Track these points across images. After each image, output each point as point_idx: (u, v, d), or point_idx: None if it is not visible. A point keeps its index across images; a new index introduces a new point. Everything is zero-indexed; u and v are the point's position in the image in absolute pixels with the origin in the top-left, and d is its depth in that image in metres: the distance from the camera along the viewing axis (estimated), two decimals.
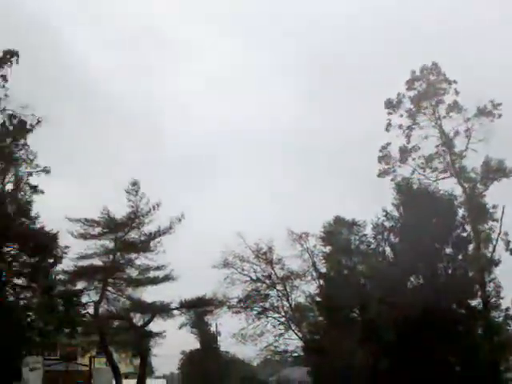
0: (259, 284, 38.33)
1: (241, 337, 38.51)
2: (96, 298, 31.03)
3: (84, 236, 30.60)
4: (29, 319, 28.91)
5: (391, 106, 32.19)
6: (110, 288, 31.56)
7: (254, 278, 37.84)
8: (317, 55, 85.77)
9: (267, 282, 38.20)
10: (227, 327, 45.05)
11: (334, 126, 76.42)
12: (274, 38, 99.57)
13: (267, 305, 38.15)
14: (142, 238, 31.30)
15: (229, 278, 37.31)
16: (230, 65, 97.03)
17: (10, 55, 24.65)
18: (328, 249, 36.57)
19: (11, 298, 28.57)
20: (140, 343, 32.62)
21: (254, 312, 38.16)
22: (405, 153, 32.42)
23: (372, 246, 32.86)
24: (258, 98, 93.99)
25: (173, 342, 37.63)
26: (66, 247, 28.95)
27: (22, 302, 28.73)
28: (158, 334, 32.90)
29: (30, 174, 28.30)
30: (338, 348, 31.28)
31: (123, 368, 36.58)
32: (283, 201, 75.29)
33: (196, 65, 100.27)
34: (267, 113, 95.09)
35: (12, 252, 28.01)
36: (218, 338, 53.40)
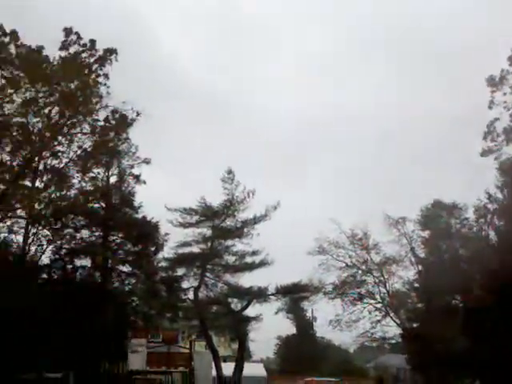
0: (355, 270, 37.86)
1: (337, 323, 38.34)
2: (195, 283, 31.96)
3: (183, 224, 31.63)
4: (133, 304, 30.50)
5: (494, 83, 30.26)
6: (208, 274, 32.39)
7: (350, 263, 37.39)
8: (410, 30, 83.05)
9: (363, 267, 37.63)
10: (323, 313, 45.17)
11: (431, 107, 73.85)
12: (363, 19, 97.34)
13: (363, 291, 37.61)
14: (238, 225, 31.86)
15: (324, 264, 37.15)
16: (320, 52, 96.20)
17: (110, 53, 25.68)
18: (427, 233, 35.50)
19: (117, 284, 30.27)
20: (238, 328, 33.20)
21: (350, 298, 37.76)
22: (509, 133, 30.48)
23: (474, 230, 31.53)
24: (349, 84, 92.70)
25: (269, 327, 38.06)
26: (167, 235, 30.30)
27: (126, 288, 30.34)
28: (255, 319, 33.29)
29: (132, 166, 29.72)
30: (438, 335, 30.42)
31: (222, 351, 37.57)
32: (378, 185, 74.02)
33: (286, 52, 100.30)
34: (359, 98, 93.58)
35: (117, 241, 29.63)
36: (314, 323, 53.69)
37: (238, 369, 32.61)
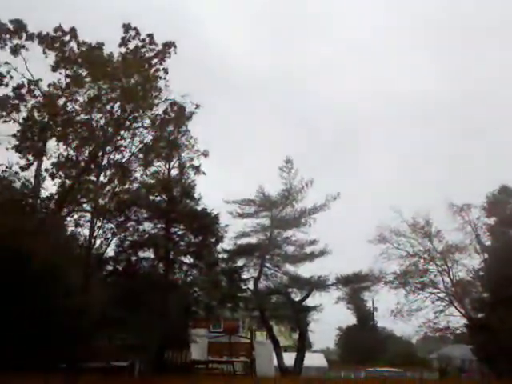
0: (416, 259, 36.92)
1: (398, 313, 37.59)
2: (255, 274, 32.12)
3: (242, 215, 31.84)
4: (195, 294, 30.97)
5: None
6: (267, 264, 32.48)
7: (411, 252, 36.52)
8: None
9: (425, 256, 36.66)
10: (384, 303, 44.36)
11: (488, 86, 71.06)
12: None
13: (426, 280, 36.67)
14: (297, 215, 31.77)
15: (384, 253, 36.44)
16: (371, 26, 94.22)
17: (169, 46, 26.02)
18: (492, 220, 34.25)
19: (179, 275, 30.81)
20: (298, 318, 33.18)
21: (412, 288, 36.91)
22: None
23: None
24: (401, 67, 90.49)
25: (329, 318, 37.73)
26: (226, 226, 30.58)
27: (188, 279, 30.85)
28: (315, 309, 33.20)
29: (191, 158, 30.10)
30: (506, 326, 29.40)
31: (283, 341, 37.60)
32: (439, 171, 72.05)
33: (337, 33, 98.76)
34: (417, 76, 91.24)
35: (179, 232, 30.15)
36: (375, 313, 53.00)
37: (299, 359, 32.64)
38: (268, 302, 32.91)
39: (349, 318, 58.49)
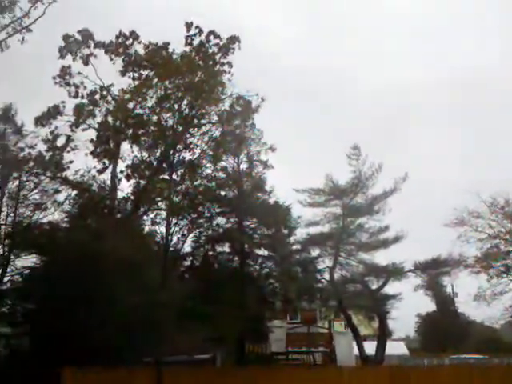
0: (497, 241, 35.41)
1: (481, 297, 36.24)
2: (330, 263, 31.85)
3: (312, 205, 31.60)
4: (271, 286, 31.16)
5: None
6: (342, 253, 32.12)
7: (492, 234, 35.03)
8: None
9: (507, 237, 35.08)
10: (464, 288, 42.84)
11: None
12: None
13: (510, 262, 35.07)
14: (368, 202, 31.21)
15: (463, 237, 35.15)
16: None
17: (233, 41, 26.21)
18: None
19: (255, 268, 31.09)
20: (377, 306, 32.64)
21: (495, 271, 35.44)
22: None
23: None
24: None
25: (408, 305, 36.87)
26: (299, 217, 30.53)
27: (264, 271, 31.07)
28: (393, 297, 32.53)
29: (259, 152, 30.27)
30: None
31: (362, 330, 37.19)
32: None
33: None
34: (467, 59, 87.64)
35: (251, 225, 30.40)
36: (455, 299, 51.43)
37: (380, 347, 32.11)
38: (345, 291, 32.52)
39: (428, 305, 57.18)
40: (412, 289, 33.79)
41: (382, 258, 31.84)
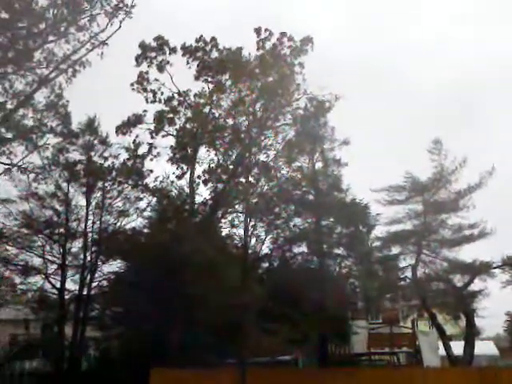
0: None
1: None
2: (412, 261, 30.97)
3: (391, 202, 30.81)
4: (352, 286, 30.66)
5: None
6: (424, 251, 31.15)
7: None
8: None
9: None
10: None
11: None
12: None
13: None
14: (451, 197, 30.06)
15: None
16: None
17: (306, 43, 26.12)
18: None
19: (334, 268, 30.72)
20: (463, 304, 31.42)
21: None
22: None
23: None
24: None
25: (496, 303, 35.23)
26: (378, 214, 29.87)
27: (343, 271, 30.62)
28: (481, 294, 31.19)
29: (332, 149, 29.89)
30: None
31: (448, 330, 35.92)
32: None
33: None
34: None
35: (329, 225, 30.06)
36: None
37: (468, 347, 30.84)
38: (429, 289, 31.51)
39: None
40: (500, 286, 32.38)
41: (467, 254, 30.68)
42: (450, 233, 30.78)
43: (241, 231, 29.00)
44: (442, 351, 32.42)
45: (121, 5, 22.38)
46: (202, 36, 26.49)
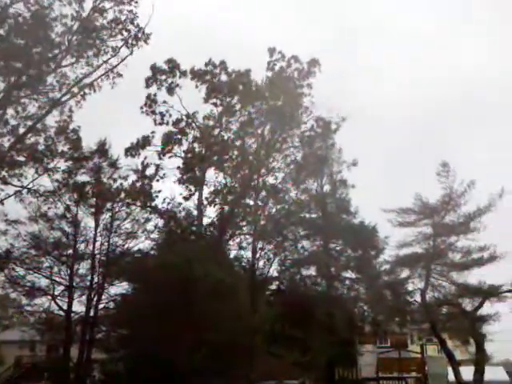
0: None
1: None
2: (421, 285, 30.67)
3: (401, 224, 30.65)
4: (360, 309, 30.40)
5: None
6: (433, 274, 30.89)
7: None
8: None
9: None
10: None
11: None
12: None
13: None
14: (461, 220, 29.86)
15: None
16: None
17: (314, 65, 26.36)
18: None
19: (342, 291, 30.51)
20: (473, 329, 31.02)
21: None
22: None
23: None
24: None
25: (507, 327, 34.81)
26: (386, 237, 29.74)
27: (352, 294, 30.39)
28: (491, 318, 30.81)
29: (340, 171, 29.95)
30: None
31: (458, 355, 35.45)
32: None
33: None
34: None
35: (337, 248, 29.96)
36: None
37: (478, 373, 30.33)
38: (438, 313, 31.17)
39: None
40: (511, 310, 31.98)
41: (476, 278, 30.37)
42: (459, 256, 30.53)
43: (249, 253, 29.01)
44: (451, 377, 31.93)
45: (139, 35, 22.74)
46: (210, 59, 26.80)
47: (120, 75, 23.13)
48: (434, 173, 30.26)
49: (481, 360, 31.22)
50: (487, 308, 30.29)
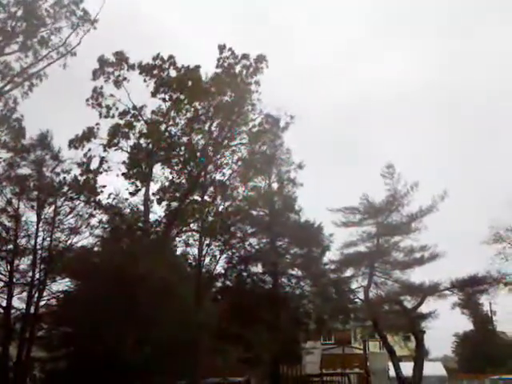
0: None
1: None
2: (364, 283, 31.29)
3: (346, 224, 31.14)
4: (305, 307, 30.73)
5: None
6: (377, 273, 31.56)
7: None
8: None
9: None
10: (502, 306, 41.73)
11: None
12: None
13: None
14: (404, 220, 30.63)
15: (501, 254, 34.33)
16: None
17: (260, 61, 26.36)
18: None
19: (288, 288, 30.75)
20: (413, 326, 31.90)
21: None
22: None
23: None
24: None
25: (445, 324, 35.97)
26: (331, 235, 30.14)
27: (297, 292, 30.68)
28: (430, 316, 31.75)
29: (288, 171, 30.14)
30: None
31: (398, 351, 36.39)
32: None
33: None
34: None
35: (283, 245, 30.15)
36: (494, 318, 50.11)
37: (418, 368, 31.25)
38: (380, 311, 31.88)
39: (465, 324, 55.82)
40: (449, 308, 33.04)
41: (417, 276, 31.21)
42: (401, 255, 31.31)
43: (195, 250, 28.82)
44: (392, 372, 32.75)
45: (86, 16, 22.16)
46: (159, 54, 26.46)
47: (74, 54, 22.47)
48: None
49: (420, 356, 32.21)
50: (427, 306, 31.34)
